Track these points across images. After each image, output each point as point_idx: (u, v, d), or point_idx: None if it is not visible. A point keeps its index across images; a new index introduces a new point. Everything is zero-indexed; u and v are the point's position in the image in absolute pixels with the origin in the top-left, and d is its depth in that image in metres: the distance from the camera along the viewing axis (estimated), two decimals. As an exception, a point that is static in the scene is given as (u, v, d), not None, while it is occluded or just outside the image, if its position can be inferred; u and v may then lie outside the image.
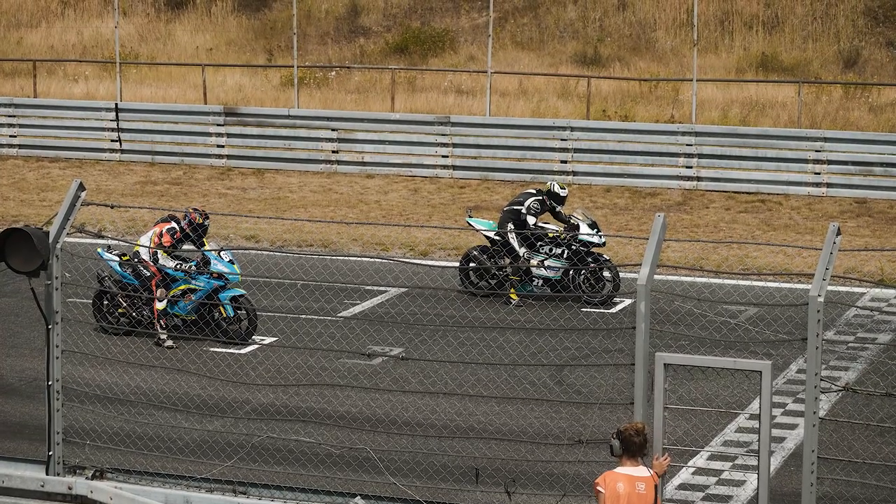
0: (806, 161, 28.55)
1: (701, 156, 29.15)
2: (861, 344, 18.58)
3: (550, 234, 21.03)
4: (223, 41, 42.59)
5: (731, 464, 14.39)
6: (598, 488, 9.67)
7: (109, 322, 18.88)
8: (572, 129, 30.02)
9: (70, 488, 11.08)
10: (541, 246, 21.05)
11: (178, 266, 18.56)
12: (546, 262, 20.88)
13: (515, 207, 21.10)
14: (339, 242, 24.92)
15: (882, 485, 12.74)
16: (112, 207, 12.18)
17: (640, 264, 10.08)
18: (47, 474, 11.20)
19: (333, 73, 38.67)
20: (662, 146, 29.43)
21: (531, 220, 20.88)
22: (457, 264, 21.97)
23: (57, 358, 11.15)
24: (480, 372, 17.07)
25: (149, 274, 18.70)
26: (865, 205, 27.75)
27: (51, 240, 10.92)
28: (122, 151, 32.46)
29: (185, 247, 19.00)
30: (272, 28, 42.94)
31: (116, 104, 32.60)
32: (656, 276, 10.16)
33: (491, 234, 21.10)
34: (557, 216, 21.40)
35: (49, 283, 11.07)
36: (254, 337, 18.51)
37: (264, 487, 11.23)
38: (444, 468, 13.75)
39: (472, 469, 13.48)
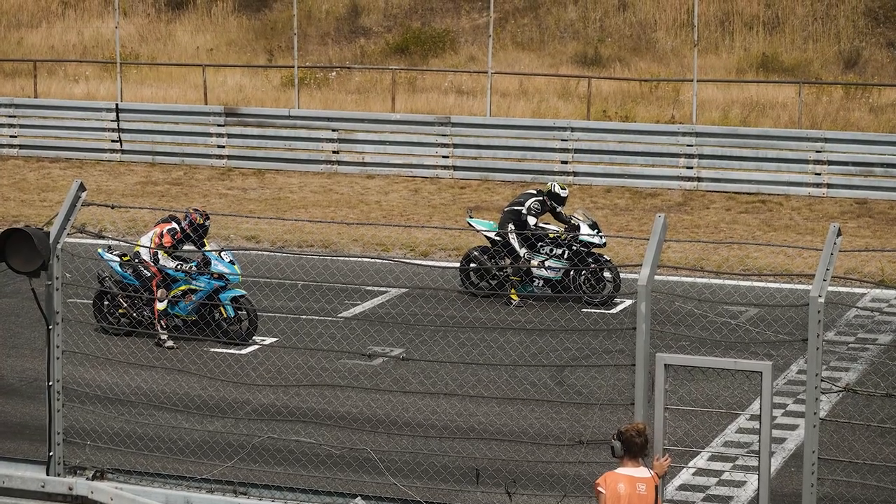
0: (806, 161, 28.55)
1: (701, 156, 29.15)
2: (861, 345, 18.58)
3: (551, 235, 21.03)
4: (224, 41, 42.59)
5: (731, 464, 14.39)
6: (599, 489, 9.67)
7: (110, 322, 18.88)
8: (573, 129, 30.02)
9: (70, 489, 11.08)
10: (541, 246, 21.05)
11: (179, 266, 18.56)
12: (546, 263, 20.88)
13: (516, 208, 21.10)
14: (340, 243, 24.92)
15: (883, 486, 12.74)
16: (112, 208, 12.18)
17: (641, 265, 10.08)
18: (48, 475, 11.20)
19: (334, 73, 38.67)
20: (663, 147, 29.43)
21: (532, 220, 20.88)
22: (457, 265, 21.97)
23: (57, 358, 11.15)
24: (481, 372, 17.06)
25: (149, 274, 18.70)
26: (866, 205, 27.75)
27: (51, 240, 10.92)
28: (123, 152, 32.46)
29: (185, 247, 19.00)
30: (273, 28, 42.94)
31: (117, 104, 32.61)
32: (657, 277, 10.16)
33: (491, 235, 21.10)
34: (558, 217, 21.40)
35: (49, 283, 11.07)
36: (254, 337, 18.51)
37: (265, 488, 11.23)
38: (445, 469, 13.75)
39: (472, 470, 13.48)
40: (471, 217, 21.81)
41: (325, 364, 17.49)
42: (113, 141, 32.55)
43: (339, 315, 19.77)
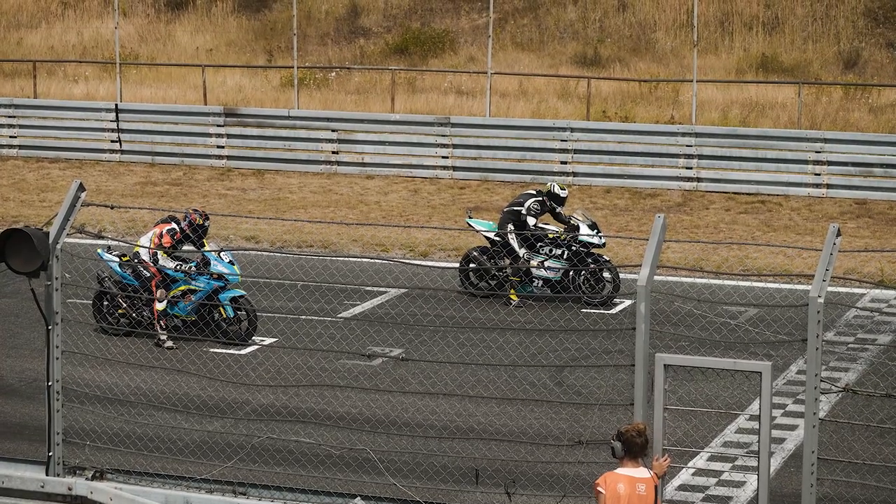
0: (806, 162, 28.56)
1: (701, 157, 29.15)
2: (861, 345, 18.58)
3: (550, 235, 21.03)
4: (223, 42, 42.59)
5: (731, 465, 14.39)
6: (599, 489, 9.67)
7: (109, 323, 18.88)
8: (572, 129, 30.03)
9: (70, 489, 11.08)
10: (541, 247, 21.05)
11: (178, 267, 18.56)
12: (546, 263, 20.88)
13: (515, 208, 21.10)
14: (339, 243, 24.92)
15: (882, 486, 12.74)
16: (112, 208, 12.18)
17: (640, 265, 10.08)
18: (47, 475, 11.20)
19: (333, 73, 38.67)
20: (662, 147, 29.43)
21: (531, 220, 20.88)
22: (457, 265, 21.97)
23: (57, 359, 11.15)
24: (480, 373, 17.06)
25: (149, 275, 18.70)
26: (865, 206, 27.76)
27: (51, 240, 10.92)
28: (122, 152, 32.46)
29: (185, 247, 19.00)
30: (272, 29, 42.94)
31: (116, 105, 32.60)
32: (656, 277, 10.16)
33: (491, 235, 21.10)
34: (557, 217, 21.39)
35: (49, 283, 11.07)
36: (254, 338, 18.51)
37: (264, 488, 11.23)
38: (444, 469, 13.75)
39: (472, 470, 13.48)
40: (470, 217, 21.81)
41: (325, 364, 17.49)
42: (112, 141, 32.56)
43: (339, 315, 19.76)
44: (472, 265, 21.17)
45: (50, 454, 11.21)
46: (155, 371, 16.72)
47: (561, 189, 21.35)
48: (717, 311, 19.67)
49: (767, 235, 25.71)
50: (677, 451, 11.20)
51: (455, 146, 30.51)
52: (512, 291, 20.77)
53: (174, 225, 18.78)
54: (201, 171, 31.44)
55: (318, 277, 19.64)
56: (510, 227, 20.86)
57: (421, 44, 40.81)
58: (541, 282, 20.94)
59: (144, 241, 18.96)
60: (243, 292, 18.68)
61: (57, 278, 11.06)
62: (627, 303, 20.82)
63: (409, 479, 13.09)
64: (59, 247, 11.05)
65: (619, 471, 9.73)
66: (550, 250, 21.02)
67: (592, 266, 20.73)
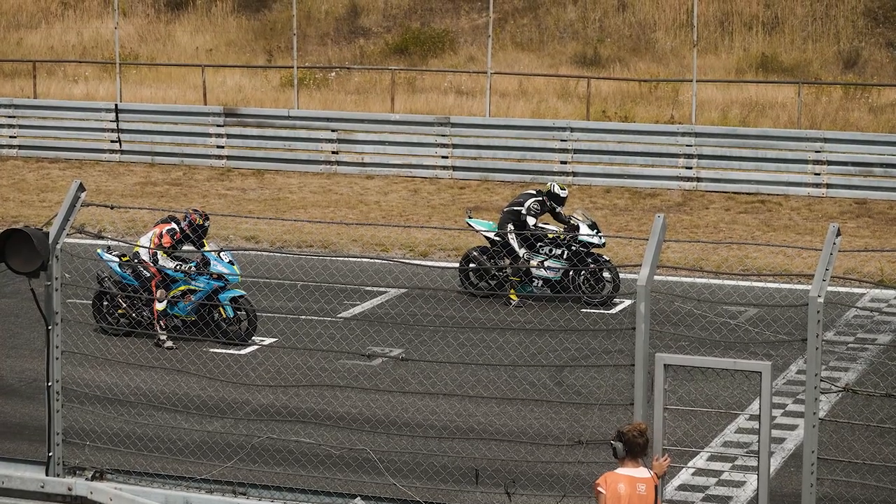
0: (806, 162, 28.56)
1: (701, 156, 29.15)
2: (861, 345, 18.58)
3: (550, 235, 21.02)
4: (223, 42, 42.59)
5: (730, 464, 14.39)
6: (599, 489, 9.67)
7: (109, 323, 18.87)
8: (572, 129, 30.03)
9: (70, 489, 11.08)
10: (540, 247, 21.04)
11: (178, 267, 18.56)
12: (546, 263, 20.88)
13: (515, 208, 21.10)
14: (339, 243, 24.92)
15: (882, 485, 12.74)
16: (112, 208, 12.18)
17: (640, 265, 10.08)
18: (47, 475, 11.20)
19: (333, 73, 38.67)
20: (662, 147, 29.43)
21: (531, 220, 20.87)
22: (456, 265, 21.96)
23: (57, 359, 11.15)
24: (480, 373, 17.06)
25: (148, 275, 18.70)
26: (865, 205, 27.76)
27: (51, 240, 10.92)
28: (122, 152, 32.46)
29: (184, 248, 19.00)
30: (272, 29, 42.94)
31: (116, 105, 32.60)
32: (656, 277, 10.16)
33: (491, 235, 21.10)
34: (557, 217, 21.39)
35: (49, 283, 11.06)
36: (253, 338, 18.50)
37: (264, 488, 11.23)
38: (444, 469, 13.74)
39: (471, 470, 13.48)
40: (470, 217, 21.81)
41: (325, 364, 17.49)
42: (112, 141, 32.56)
43: (339, 315, 19.76)
44: (471, 265, 21.17)
45: (50, 454, 11.21)
46: (155, 371, 16.72)
47: (561, 189, 21.35)
48: (716, 310, 19.67)
49: (767, 235, 25.71)
50: (677, 450, 11.20)
51: (455, 146, 30.51)
52: (512, 291, 20.77)
53: (174, 225, 18.78)
54: (201, 171, 31.44)
55: (317, 277, 19.64)
56: (510, 226, 20.86)
57: (421, 44, 40.81)
58: (541, 282, 20.94)
59: (144, 241, 18.95)
60: (243, 292, 18.67)
61: (57, 278, 11.06)
62: (627, 303, 20.82)
63: (409, 479, 13.10)
64: (58, 247, 11.05)
65: (620, 471, 9.73)
66: (550, 250, 21.02)
67: (592, 266, 20.72)
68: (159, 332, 18.40)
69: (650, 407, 10.01)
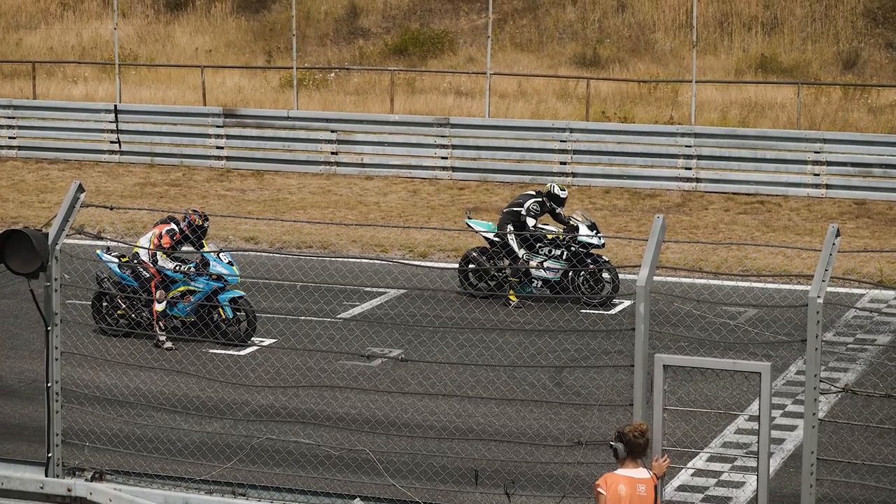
0: (805, 162, 28.56)
1: (700, 157, 29.16)
2: (860, 345, 18.58)
3: (549, 236, 21.02)
4: (222, 43, 42.59)
5: (730, 465, 14.39)
6: (600, 490, 9.67)
7: (109, 324, 18.86)
8: (571, 130, 30.03)
9: (69, 490, 11.07)
10: (540, 247, 21.05)
11: (178, 268, 18.56)
12: (545, 264, 20.88)
13: (515, 209, 21.10)
14: (339, 244, 24.92)
15: (881, 486, 12.74)
16: (111, 209, 12.17)
17: (640, 266, 10.08)
18: (46, 476, 11.20)
19: (332, 74, 38.67)
20: (662, 147, 29.44)
21: (531, 222, 20.87)
22: (456, 266, 21.97)
23: (56, 359, 11.15)
24: (480, 373, 17.06)
25: (148, 275, 18.69)
26: (864, 206, 27.76)
27: (50, 241, 10.91)
28: (122, 153, 32.46)
29: (184, 248, 19.00)
30: (271, 30, 42.94)
31: (116, 106, 32.60)
32: (655, 278, 10.16)
33: (490, 236, 21.10)
34: (557, 217, 21.39)
35: (48, 284, 11.06)
36: (253, 338, 18.51)
37: (263, 489, 11.23)
38: (444, 469, 13.74)
39: (471, 470, 13.48)
40: (469, 218, 21.82)
41: (324, 365, 17.49)
42: (112, 142, 32.56)
43: (338, 316, 19.76)
44: (471, 266, 21.17)
45: (49, 455, 11.21)
46: (154, 372, 16.71)
47: (561, 190, 21.35)
48: (716, 311, 19.67)
49: (766, 236, 25.71)
50: (677, 451, 11.20)
51: (454, 147, 30.51)
52: (511, 292, 20.77)
53: (173, 226, 18.78)
54: (200, 171, 31.44)
55: (317, 278, 19.64)
56: (510, 227, 20.86)
57: (420, 44, 40.81)
58: (540, 282, 20.94)
59: (144, 241, 18.95)
60: (242, 293, 18.67)
61: (56, 279, 11.06)
62: (627, 303, 20.82)
63: (409, 479, 13.09)
64: (58, 248, 11.05)
65: (620, 472, 9.73)
66: (550, 251, 21.02)
67: (592, 266, 20.72)
68: (159, 332, 18.40)
69: (649, 408, 10.01)
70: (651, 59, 39.40)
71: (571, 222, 21.18)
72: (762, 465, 9.94)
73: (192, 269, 18.58)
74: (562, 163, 29.86)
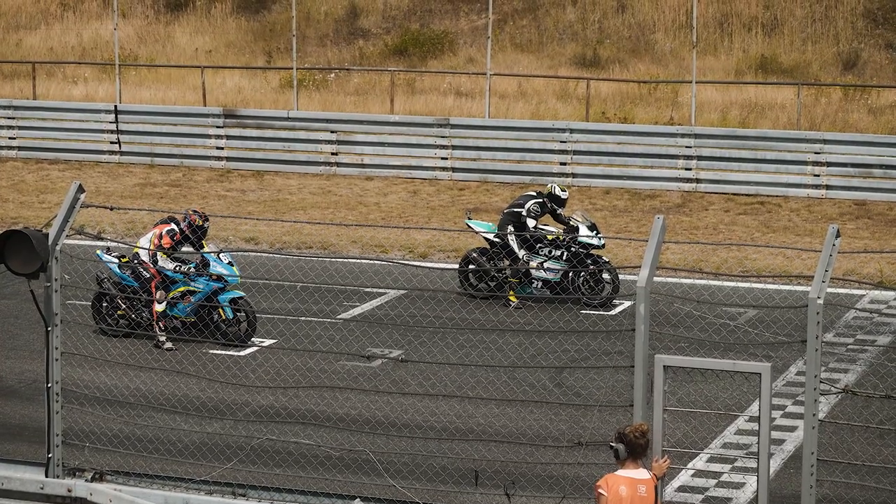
0: (805, 163, 28.56)
1: (700, 157, 29.16)
2: (860, 346, 18.58)
3: (549, 237, 21.03)
4: (222, 43, 42.59)
5: (730, 466, 14.39)
6: (600, 491, 9.66)
7: (109, 324, 18.86)
8: (571, 130, 30.03)
9: (69, 490, 11.07)
10: (540, 248, 21.04)
11: (178, 268, 18.56)
12: (545, 265, 20.88)
13: (516, 210, 21.10)
14: (339, 244, 24.92)
15: (882, 487, 12.74)
16: (111, 209, 12.17)
17: (640, 266, 10.08)
18: (47, 476, 11.20)
19: (332, 75, 38.67)
20: (662, 148, 29.44)
21: (531, 222, 20.87)
22: (456, 266, 21.96)
23: (56, 360, 11.14)
24: (480, 374, 17.06)
25: (148, 276, 18.69)
26: (865, 207, 27.76)
27: (50, 242, 10.91)
28: (122, 153, 32.46)
29: (184, 249, 19.00)
30: (271, 30, 42.94)
31: (116, 106, 32.61)
32: (656, 278, 10.16)
33: (490, 237, 21.10)
34: (557, 218, 21.39)
35: (48, 284, 11.06)
36: (253, 339, 18.50)
37: (264, 489, 11.23)
38: (444, 470, 13.74)
39: (471, 471, 13.48)
40: (469, 219, 21.82)
41: (324, 366, 17.49)
42: (112, 142, 32.55)
43: (338, 316, 19.76)
44: (471, 266, 21.16)
45: (49, 456, 11.21)
46: (154, 372, 16.71)
47: (562, 190, 21.35)
48: (716, 312, 19.67)
49: (767, 236, 25.71)
50: (677, 452, 11.19)
51: (454, 147, 30.51)
52: (511, 293, 20.76)
53: (174, 226, 18.77)
54: (200, 172, 31.44)
55: (317, 279, 19.64)
56: (510, 228, 20.86)
57: (420, 45, 40.81)
58: (540, 283, 20.94)
59: (144, 242, 18.95)
60: (242, 293, 18.67)
61: (56, 279, 11.06)
62: (627, 304, 20.82)
63: (409, 480, 13.09)
64: (58, 248, 11.05)
65: (620, 472, 9.73)
66: (550, 251, 21.02)
67: (592, 267, 20.72)
68: (159, 333, 18.40)
69: (650, 408, 10.01)
70: (651, 59, 39.40)
71: (571, 223, 21.19)
72: (762, 465, 9.94)
73: (193, 270, 18.58)
74: (562, 163, 29.86)
